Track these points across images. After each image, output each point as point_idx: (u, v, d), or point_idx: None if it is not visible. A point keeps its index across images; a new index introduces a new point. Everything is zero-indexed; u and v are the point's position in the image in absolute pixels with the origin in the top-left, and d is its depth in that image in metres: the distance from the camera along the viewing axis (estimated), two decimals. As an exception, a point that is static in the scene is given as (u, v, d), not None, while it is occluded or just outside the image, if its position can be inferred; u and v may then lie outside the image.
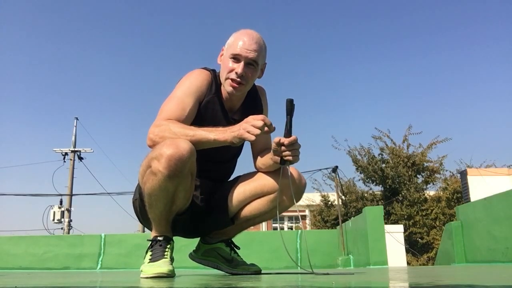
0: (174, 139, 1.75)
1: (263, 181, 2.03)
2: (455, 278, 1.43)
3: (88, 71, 37.62)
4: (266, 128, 1.73)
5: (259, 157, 2.10)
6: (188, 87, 1.95)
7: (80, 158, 19.34)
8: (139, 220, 2.11)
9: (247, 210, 2.06)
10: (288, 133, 1.81)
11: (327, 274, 1.82)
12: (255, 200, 2.05)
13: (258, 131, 1.72)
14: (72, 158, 19.23)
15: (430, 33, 31.81)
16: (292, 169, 2.02)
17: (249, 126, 1.72)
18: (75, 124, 19.55)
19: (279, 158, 1.86)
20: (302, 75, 35.48)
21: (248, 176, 2.10)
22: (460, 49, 30.96)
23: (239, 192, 2.05)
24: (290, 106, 1.77)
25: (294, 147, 1.82)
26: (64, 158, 19.21)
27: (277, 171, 2.00)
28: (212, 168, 2.13)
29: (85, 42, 36.69)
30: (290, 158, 1.83)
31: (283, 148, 1.81)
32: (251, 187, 2.04)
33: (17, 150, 40.32)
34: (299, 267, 2.02)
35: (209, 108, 1.99)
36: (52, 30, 37.38)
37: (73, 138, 19.38)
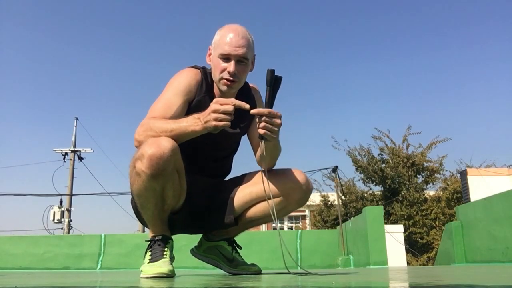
0: (156, 138, 1.74)
1: (270, 184, 1.99)
2: (455, 278, 1.43)
3: (88, 71, 37.64)
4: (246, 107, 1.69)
5: (256, 150, 2.05)
6: (176, 86, 1.93)
7: (80, 158, 19.34)
8: (138, 219, 2.11)
9: (252, 212, 2.05)
10: (266, 105, 1.74)
11: (309, 273, 1.82)
12: (260, 203, 2.03)
13: (228, 118, 1.68)
14: (72, 158, 19.23)
15: (429, 31, 31.83)
16: (299, 172, 2.00)
17: (219, 115, 1.68)
18: (75, 124, 19.58)
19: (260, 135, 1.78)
20: (301, 75, 35.47)
21: (254, 176, 2.07)
22: (460, 48, 30.97)
23: (245, 194, 2.04)
24: (269, 77, 1.70)
25: (267, 120, 1.74)
26: (64, 158, 19.22)
27: (283, 174, 1.99)
28: (209, 165, 2.13)
29: (86, 41, 36.72)
30: (262, 131, 1.75)
31: (258, 120, 1.75)
32: (257, 190, 2.01)
33: (17, 150, 40.33)
34: (299, 267, 2.01)
35: (201, 108, 1.93)
36: (52, 30, 37.40)
37: (73, 138, 19.40)
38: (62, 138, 33.69)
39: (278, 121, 1.77)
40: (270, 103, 1.75)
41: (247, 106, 1.71)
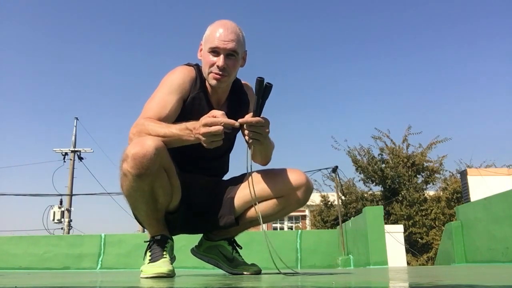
0: (141, 137, 1.74)
1: (270, 184, 2.00)
2: (455, 278, 1.43)
3: (89, 70, 37.64)
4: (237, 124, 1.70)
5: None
6: (170, 84, 1.93)
7: (80, 158, 19.35)
8: (137, 221, 2.11)
9: (252, 212, 2.04)
10: (254, 113, 1.74)
11: (306, 274, 1.82)
12: (260, 202, 2.02)
13: (219, 138, 1.69)
14: (72, 158, 19.23)
15: (428, 30, 31.82)
16: (300, 172, 2.01)
17: (209, 136, 1.68)
18: (75, 124, 19.60)
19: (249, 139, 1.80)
20: (300, 74, 35.47)
21: (256, 176, 2.05)
22: (460, 47, 30.97)
23: (245, 194, 2.02)
24: (258, 86, 1.68)
25: (254, 129, 1.76)
26: (64, 158, 19.23)
27: (284, 174, 1.99)
28: (205, 164, 2.12)
29: (86, 41, 36.70)
30: (250, 140, 1.78)
31: (246, 127, 1.76)
32: (258, 189, 1.99)
33: (17, 150, 40.32)
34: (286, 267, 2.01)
35: (195, 104, 1.97)
36: (52, 29, 37.39)
37: (73, 138, 19.40)
38: (62, 138, 33.74)
39: (265, 130, 1.79)
40: (258, 112, 1.75)
41: (236, 123, 1.71)
